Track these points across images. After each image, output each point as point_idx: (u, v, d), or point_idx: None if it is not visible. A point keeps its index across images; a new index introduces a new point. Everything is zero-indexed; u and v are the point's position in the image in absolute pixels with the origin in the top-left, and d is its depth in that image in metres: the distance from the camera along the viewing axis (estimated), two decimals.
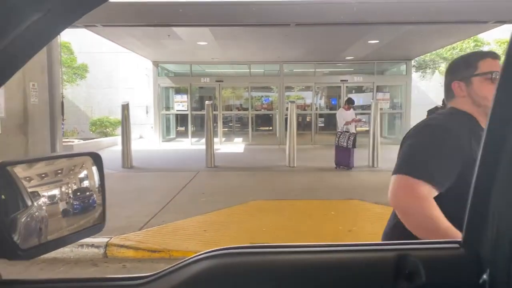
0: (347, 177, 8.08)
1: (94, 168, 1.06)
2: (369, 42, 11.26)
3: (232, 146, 14.76)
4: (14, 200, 0.85)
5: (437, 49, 13.98)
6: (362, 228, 4.78)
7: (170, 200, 6.14)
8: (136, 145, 12.13)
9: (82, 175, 1.08)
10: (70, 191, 0.97)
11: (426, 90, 17.69)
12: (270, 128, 18.44)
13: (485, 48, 15.59)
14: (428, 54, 15.24)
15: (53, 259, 4.00)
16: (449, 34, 10.54)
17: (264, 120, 19.05)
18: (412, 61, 15.52)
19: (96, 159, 0.99)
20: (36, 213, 0.89)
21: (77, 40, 16.46)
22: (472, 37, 14.07)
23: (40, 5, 0.52)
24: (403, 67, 15.61)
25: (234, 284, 0.73)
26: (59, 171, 1.02)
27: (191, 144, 15.19)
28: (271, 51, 12.83)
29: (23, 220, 0.85)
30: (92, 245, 4.19)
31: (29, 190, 0.91)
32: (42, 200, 0.92)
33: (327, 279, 0.73)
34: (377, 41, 11.21)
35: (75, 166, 1.07)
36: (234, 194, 6.50)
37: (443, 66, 16.25)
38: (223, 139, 15.88)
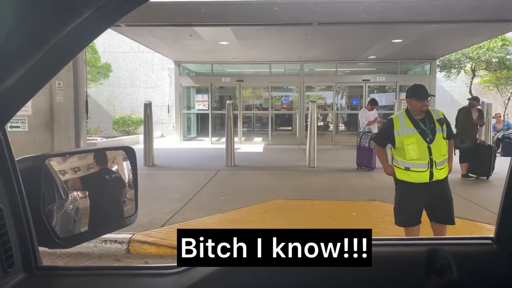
0: (369, 178, 7.98)
1: (126, 163, 1.08)
2: (392, 41, 11.10)
3: (251, 146, 14.79)
4: (51, 192, 0.87)
5: (463, 48, 13.67)
6: (384, 230, 4.71)
7: (191, 198, 6.19)
8: (157, 144, 12.29)
9: (113, 169, 1.10)
10: (103, 184, 0.99)
11: (451, 90, 17.34)
12: (290, 128, 18.39)
13: None
14: (454, 53, 14.90)
15: (78, 253, 4.09)
16: (475, 33, 10.29)
17: (284, 120, 19.01)
18: (437, 60, 15.21)
19: (130, 153, 1.01)
20: (71, 205, 0.92)
21: (101, 39, 16.82)
22: (499, 36, 13.70)
23: (90, 3, 0.54)
24: (427, 66, 15.32)
25: (261, 274, 0.73)
26: (91, 165, 1.04)
27: (211, 143, 15.29)
28: (292, 51, 12.79)
29: (60, 211, 0.87)
30: (116, 241, 4.26)
31: (64, 183, 0.94)
32: (77, 193, 0.94)
33: (357, 270, 0.73)
34: (401, 40, 11.03)
35: (107, 161, 1.10)
36: (254, 193, 6.51)
37: (468, 66, 15.88)
38: (243, 138, 15.92)
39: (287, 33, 10.11)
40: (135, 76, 17.98)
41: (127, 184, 1.09)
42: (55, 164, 0.91)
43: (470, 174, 8.03)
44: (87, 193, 0.96)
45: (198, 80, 16.65)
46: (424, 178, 3.53)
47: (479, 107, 8.50)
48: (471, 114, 8.05)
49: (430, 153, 3.51)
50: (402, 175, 3.66)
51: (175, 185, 7.20)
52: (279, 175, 8.45)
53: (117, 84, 17.88)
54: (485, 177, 7.87)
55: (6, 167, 0.72)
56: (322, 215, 5.32)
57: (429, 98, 3.61)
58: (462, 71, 16.20)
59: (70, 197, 0.92)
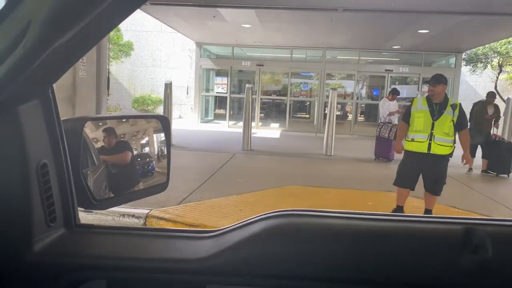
0: (386, 169, 7.90)
1: (156, 135, 1.09)
2: (418, 31, 10.83)
3: (268, 131, 14.77)
4: (85, 157, 0.89)
5: (491, 42, 13.27)
6: None
7: (207, 178, 6.25)
8: (175, 125, 12.38)
9: (144, 141, 1.12)
10: (136, 152, 1.01)
11: (475, 85, 16.92)
12: (308, 115, 18.27)
13: None
14: (481, 47, 14.48)
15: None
16: (505, 27, 9.96)
17: (302, 107, 18.88)
18: (463, 54, 14.82)
19: (164, 122, 1.02)
20: (104, 171, 0.94)
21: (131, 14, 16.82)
22: None
23: None
24: (452, 59, 14.95)
25: (298, 241, 0.76)
26: (123, 136, 1.06)
27: (228, 127, 15.33)
28: (314, 36, 12.62)
29: (93, 176, 0.89)
30: (133, 216, 4.35)
31: (97, 150, 0.95)
32: (110, 159, 0.96)
33: (390, 246, 0.75)
34: (427, 31, 10.76)
35: (138, 132, 1.11)
36: (269, 178, 6.53)
37: (496, 61, 15.43)
38: (260, 123, 15.91)
39: (311, 18, 9.95)
40: (156, 55, 18.03)
41: (157, 156, 1.10)
42: (88, 131, 0.92)
43: (489, 171, 7.89)
44: (117, 158, 0.98)
45: (218, 63, 16.62)
46: (423, 148, 4.31)
47: (495, 103, 8.28)
48: (486, 109, 7.88)
49: (432, 128, 4.27)
50: (408, 145, 4.49)
51: (191, 166, 7.27)
52: (295, 161, 8.44)
53: (138, 63, 17.98)
54: (506, 175, 7.72)
55: (53, 125, 0.75)
56: (337, 203, 5.31)
57: (436, 85, 4.34)
58: (489, 65, 15.75)
59: (102, 163, 0.94)
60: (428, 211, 4.62)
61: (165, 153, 1.08)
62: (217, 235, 0.80)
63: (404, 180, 4.57)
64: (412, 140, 4.40)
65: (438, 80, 4.38)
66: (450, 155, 4.42)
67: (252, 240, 0.76)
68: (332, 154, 9.31)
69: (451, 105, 4.32)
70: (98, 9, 0.57)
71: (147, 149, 1.12)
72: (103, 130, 0.98)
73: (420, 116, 4.35)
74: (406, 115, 4.62)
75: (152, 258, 0.76)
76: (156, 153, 1.12)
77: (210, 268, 0.74)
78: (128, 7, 0.63)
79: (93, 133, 0.96)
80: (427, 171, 4.44)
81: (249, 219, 0.81)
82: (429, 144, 4.27)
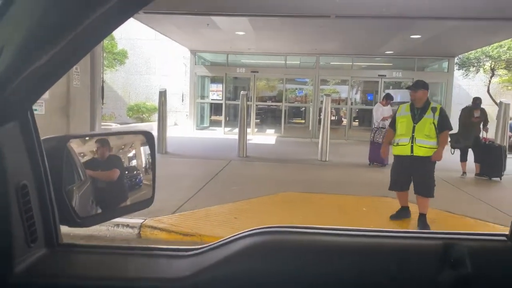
0: (381, 174, 7.92)
1: (143, 148, 1.10)
2: (410, 36, 10.93)
3: (264, 137, 14.79)
4: (70, 173, 0.90)
5: (483, 46, 13.40)
6: (395, 227, 4.70)
7: (202, 186, 6.25)
8: (170, 132, 12.37)
9: (131, 154, 1.12)
10: (121, 167, 1.01)
11: (468, 89, 17.03)
12: (303, 121, 18.31)
13: None
14: (473, 51, 14.61)
15: (90, 236, 4.17)
16: (496, 31, 10.08)
17: (297, 113, 18.92)
18: (455, 58, 14.94)
19: (149, 137, 1.03)
20: (90, 186, 0.94)
21: (120, 26, 16.83)
22: None
23: None
24: (445, 64, 15.08)
25: (280, 259, 0.75)
26: (111, 148, 1.06)
27: (224, 133, 15.34)
28: (308, 43, 12.70)
29: (79, 192, 0.89)
30: (127, 225, 4.33)
31: (83, 164, 0.96)
32: (95, 175, 0.97)
33: (370, 262, 0.75)
34: (419, 36, 10.87)
35: (125, 145, 1.12)
36: (264, 185, 6.54)
37: (488, 65, 15.55)
38: (256, 130, 15.93)
39: (304, 25, 10.03)
40: (150, 63, 18.05)
41: (144, 170, 1.11)
42: (75, 146, 0.93)
43: (483, 175, 7.93)
44: (104, 174, 0.98)
45: (213, 70, 16.67)
46: (406, 151, 4.55)
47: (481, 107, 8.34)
48: (473, 114, 7.95)
49: (413, 131, 4.52)
50: (394, 150, 4.75)
51: (186, 173, 7.26)
52: (290, 167, 8.45)
53: (133, 71, 17.98)
54: (498, 178, 7.77)
55: (33, 146, 0.75)
56: (332, 209, 5.32)
57: (417, 91, 4.56)
58: (481, 69, 15.87)
59: (88, 179, 0.95)
60: (422, 215, 4.65)
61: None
62: (198, 253, 0.80)
63: (397, 184, 4.79)
64: (397, 144, 4.67)
65: (418, 85, 4.65)
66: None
67: (233, 259, 0.75)
68: (327, 160, 9.34)
69: (431, 108, 4.56)
70: (76, 30, 0.57)
71: (134, 162, 1.13)
72: (96, 141, 0.99)
73: (403, 121, 4.64)
74: (392, 122, 4.96)
75: (133, 277, 0.76)
76: (143, 166, 1.13)
77: None
78: (106, 27, 0.63)
79: (80, 148, 0.97)
80: (413, 173, 4.61)
81: (231, 237, 0.81)
82: (412, 147, 4.51)
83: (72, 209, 0.81)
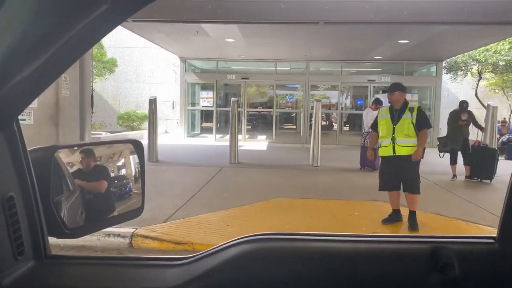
0: (372, 178, 7.93)
1: (133, 157, 1.09)
2: (399, 42, 11.05)
3: (255, 144, 14.79)
4: (59, 183, 0.88)
5: (470, 50, 13.58)
6: (386, 231, 4.71)
7: (194, 194, 6.22)
8: (161, 140, 12.32)
9: (120, 163, 1.11)
10: (110, 177, 1.00)
11: (456, 93, 17.25)
12: (294, 126, 18.37)
13: None
14: (460, 55, 14.82)
15: (81, 246, 4.12)
16: (482, 35, 10.23)
17: (288, 119, 19.00)
18: (443, 62, 15.14)
19: (138, 146, 1.02)
20: (79, 197, 0.93)
21: (108, 34, 16.77)
22: (507, 39, 13.60)
23: None
24: (433, 68, 15.26)
25: (269, 267, 0.75)
26: (99, 159, 1.05)
27: (215, 140, 15.31)
28: (297, 49, 12.77)
29: (67, 202, 0.88)
30: (119, 235, 4.29)
31: (72, 175, 0.95)
32: (84, 185, 0.95)
33: (359, 267, 0.75)
34: (407, 41, 10.99)
35: (114, 154, 1.11)
36: (256, 191, 6.52)
37: (475, 68, 15.78)
38: (247, 136, 15.93)
39: (293, 31, 10.09)
40: (140, 71, 18.00)
41: (133, 178, 1.10)
42: (63, 156, 0.92)
43: (473, 177, 8.01)
44: (93, 185, 0.97)
45: (203, 77, 16.66)
46: (389, 151, 4.73)
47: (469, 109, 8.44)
48: (460, 117, 8.04)
49: (393, 132, 4.69)
50: (380, 152, 4.93)
51: (178, 181, 7.22)
52: (282, 173, 8.45)
53: (123, 79, 17.91)
54: (488, 180, 7.85)
55: (19, 157, 0.74)
56: (325, 214, 5.32)
57: (393, 93, 4.75)
58: (469, 73, 16.10)
59: (77, 189, 0.93)
60: (412, 213, 4.77)
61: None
62: (188, 262, 0.79)
63: (385, 184, 4.93)
64: (380, 146, 4.88)
65: (395, 88, 4.85)
66: (422, 156, 4.75)
67: (224, 267, 0.75)
68: (318, 165, 9.36)
69: (409, 109, 4.73)
70: (62, 39, 0.57)
71: (123, 171, 1.12)
72: (80, 151, 0.98)
73: (383, 123, 4.85)
74: (374, 125, 5.16)
75: None
76: (133, 175, 1.12)
77: None
78: (89, 41, 0.62)
79: (68, 158, 0.96)
80: (399, 172, 4.75)
81: (221, 245, 0.81)
82: (393, 147, 4.69)
83: (61, 220, 0.79)
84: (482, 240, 0.80)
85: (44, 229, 0.78)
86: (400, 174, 4.75)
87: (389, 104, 4.97)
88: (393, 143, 4.69)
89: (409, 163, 4.69)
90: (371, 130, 8.96)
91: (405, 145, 4.66)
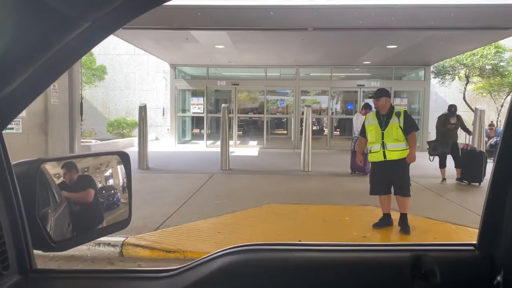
0: (363, 182, 7.99)
1: (120, 167, 1.09)
2: (387, 47, 11.18)
3: (246, 149, 14.79)
4: (45, 196, 0.88)
5: (457, 55, 13.78)
6: (377, 235, 4.74)
7: (185, 201, 6.19)
8: (152, 147, 12.26)
9: (108, 173, 1.11)
10: (97, 188, 1.00)
11: (445, 97, 17.45)
12: (285, 132, 18.41)
13: (506, 55, 15.33)
14: (448, 60, 15.02)
15: (71, 256, 4.07)
16: (469, 40, 10.39)
17: (279, 124, 19.04)
18: (431, 66, 15.33)
19: (124, 158, 1.02)
20: (66, 209, 0.92)
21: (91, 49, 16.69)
22: (493, 43, 13.83)
23: (88, 16, 0.55)
24: (421, 72, 15.43)
25: (256, 278, 0.75)
26: (86, 169, 1.05)
27: (206, 147, 15.28)
28: (287, 55, 12.84)
29: (54, 215, 0.88)
30: (109, 244, 4.25)
31: (59, 186, 0.94)
32: (71, 197, 0.95)
33: (343, 277, 0.75)
34: (396, 46, 11.11)
35: (101, 165, 1.10)
36: (248, 197, 6.52)
37: (462, 73, 16.00)
38: (238, 142, 15.92)
39: (283, 37, 10.15)
40: (130, 78, 17.94)
41: (121, 188, 1.09)
42: (50, 168, 0.91)
43: (463, 180, 8.10)
44: (80, 196, 0.97)
45: (193, 83, 16.65)
46: (379, 157, 4.77)
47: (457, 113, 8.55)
48: (449, 121, 8.13)
49: (383, 137, 4.74)
50: (370, 157, 4.98)
51: (169, 189, 7.19)
52: (273, 179, 8.46)
53: (112, 86, 17.83)
54: (477, 183, 7.93)
55: (3, 171, 0.73)
56: (316, 219, 5.33)
57: (379, 99, 4.82)
58: (456, 77, 16.32)
59: (64, 201, 0.93)
60: (403, 215, 4.82)
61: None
62: (174, 274, 0.79)
63: (376, 188, 4.95)
64: (370, 151, 4.93)
65: (380, 94, 4.90)
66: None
67: (209, 279, 0.75)
68: (309, 170, 9.39)
69: (395, 113, 4.80)
70: (40, 62, 0.57)
71: (111, 181, 1.11)
72: (62, 166, 0.97)
73: (372, 129, 4.89)
74: (362, 130, 5.18)
75: None
76: (121, 185, 1.11)
77: None
78: (68, 60, 0.63)
79: (55, 169, 0.95)
80: (390, 176, 4.79)
81: (206, 257, 0.81)
82: (384, 152, 4.74)
83: (46, 233, 0.79)
84: (462, 247, 0.81)
85: (30, 243, 0.77)
86: (390, 178, 4.80)
87: (374, 110, 5.06)
88: (383, 148, 4.74)
89: (400, 167, 4.76)
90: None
91: (395, 150, 4.71)
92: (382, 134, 4.76)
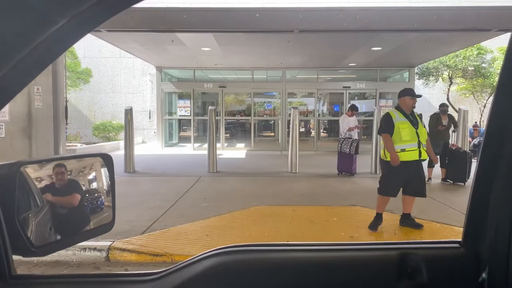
0: (350, 183, 8.07)
1: (104, 169, 1.07)
2: (372, 49, 11.30)
3: (234, 152, 14.78)
4: (26, 200, 0.86)
5: (440, 56, 14.00)
6: (364, 235, 4.77)
7: (172, 204, 6.15)
8: (138, 150, 12.16)
9: (91, 176, 1.10)
10: (80, 191, 0.98)
11: (429, 98, 17.71)
12: (272, 134, 18.46)
13: (488, 56, 15.63)
14: (431, 61, 15.25)
15: (56, 262, 4.01)
16: (452, 42, 10.57)
17: (267, 126, 19.08)
18: (415, 68, 15.54)
19: (107, 160, 1.00)
20: (48, 212, 0.91)
21: (81, 45, 16.56)
22: (475, 45, 14.09)
23: (65, 12, 0.54)
24: (406, 74, 15.63)
25: (242, 279, 0.75)
26: (69, 172, 1.03)
27: (193, 150, 15.21)
28: (273, 57, 12.88)
29: (35, 219, 0.86)
30: (95, 249, 4.19)
31: (40, 190, 0.93)
32: (53, 200, 0.94)
33: (331, 276, 0.76)
34: (380, 48, 11.24)
35: (85, 168, 1.09)
36: (236, 199, 6.51)
37: (446, 74, 16.26)
38: (225, 144, 15.90)
39: (269, 40, 10.18)
40: (116, 81, 17.78)
41: (105, 191, 1.08)
42: (31, 171, 0.90)
43: (447, 180, 8.22)
44: (63, 200, 0.95)
45: (180, 86, 16.58)
46: (415, 156, 4.65)
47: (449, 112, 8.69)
48: (441, 120, 8.25)
49: (418, 136, 4.68)
50: (402, 157, 4.67)
51: (156, 192, 7.13)
52: (261, 181, 8.46)
53: (98, 89, 17.65)
54: (462, 183, 8.05)
55: None
56: (304, 220, 5.35)
57: (415, 98, 4.84)
58: (440, 78, 16.58)
59: (46, 205, 0.91)
60: (408, 215, 4.93)
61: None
62: (158, 277, 0.78)
63: (392, 189, 4.80)
64: (403, 150, 4.68)
65: (413, 92, 4.93)
66: None
67: (194, 281, 0.74)
68: (297, 172, 9.42)
69: (418, 115, 4.88)
70: (16, 59, 0.56)
71: (95, 184, 1.10)
72: (55, 166, 0.96)
73: (405, 127, 4.70)
74: (388, 128, 4.78)
75: None
76: (105, 188, 1.10)
77: None
78: (47, 59, 0.62)
79: (37, 173, 0.94)
80: (414, 176, 4.74)
81: (191, 259, 0.80)
82: (419, 151, 4.67)
83: (26, 237, 0.77)
84: (448, 245, 0.82)
85: (8, 248, 0.75)
86: (415, 178, 4.76)
87: (393, 108, 5.07)
88: (420, 147, 4.68)
89: (422, 167, 4.84)
90: (346, 135, 9.14)
91: (425, 149, 4.77)
92: (417, 133, 4.71)
